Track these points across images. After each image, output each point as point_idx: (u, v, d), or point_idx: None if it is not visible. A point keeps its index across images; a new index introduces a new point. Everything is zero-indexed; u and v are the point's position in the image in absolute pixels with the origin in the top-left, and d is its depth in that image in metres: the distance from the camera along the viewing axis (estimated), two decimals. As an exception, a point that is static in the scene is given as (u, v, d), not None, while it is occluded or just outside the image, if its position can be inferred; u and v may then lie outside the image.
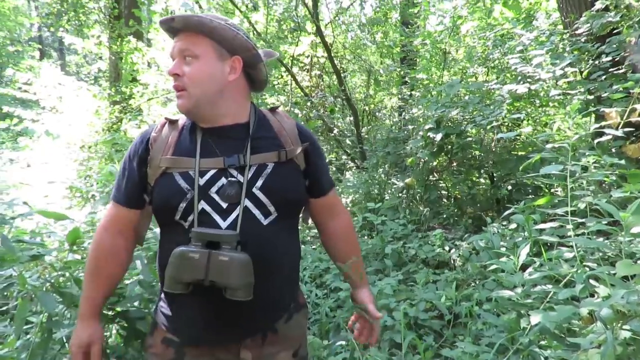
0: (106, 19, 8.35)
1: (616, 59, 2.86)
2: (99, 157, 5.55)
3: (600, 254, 1.79)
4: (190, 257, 1.00)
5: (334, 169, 6.97)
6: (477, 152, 4.25)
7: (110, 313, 1.51)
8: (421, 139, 4.21)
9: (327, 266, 3.43)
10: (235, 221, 1.08)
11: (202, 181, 1.10)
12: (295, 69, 7.44)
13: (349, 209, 4.84)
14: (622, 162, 1.90)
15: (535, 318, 1.42)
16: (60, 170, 5.22)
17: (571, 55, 3.05)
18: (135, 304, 1.68)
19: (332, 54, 6.79)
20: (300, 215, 1.32)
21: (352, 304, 1.40)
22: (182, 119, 1.21)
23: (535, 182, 3.60)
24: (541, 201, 2.01)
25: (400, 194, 4.64)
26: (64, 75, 6.31)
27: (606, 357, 1.15)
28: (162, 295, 1.19)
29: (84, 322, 1.19)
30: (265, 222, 1.11)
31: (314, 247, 4.08)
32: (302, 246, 4.03)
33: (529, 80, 3.29)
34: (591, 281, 1.54)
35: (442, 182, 4.68)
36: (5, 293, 1.65)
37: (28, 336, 1.54)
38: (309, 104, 6.82)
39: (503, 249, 2.42)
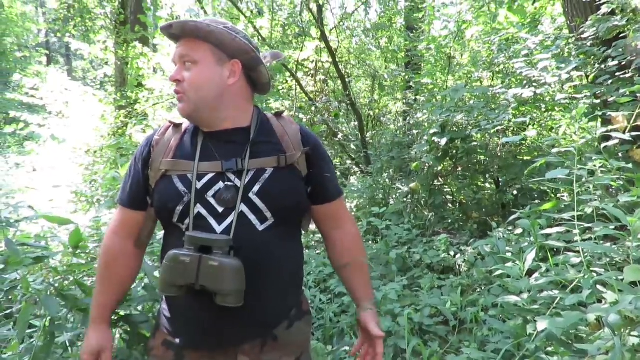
0: (112, 24, 8.43)
1: (622, 63, 2.84)
2: (104, 162, 5.58)
3: (608, 259, 1.77)
4: (181, 260, 1.01)
5: (339, 173, 6.96)
6: (482, 157, 4.23)
7: (113, 317, 1.51)
8: (426, 143, 4.19)
9: (332, 271, 3.41)
10: (230, 226, 1.07)
11: (199, 185, 1.10)
12: (299, 74, 7.45)
13: (353, 213, 4.83)
14: (630, 166, 1.88)
15: (542, 324, 1.40)
16: (65, 175, 5.25)
17: (577, 59, 3.04)
18: (139, 308, 1.68)
19: (337, 59, 6.80)
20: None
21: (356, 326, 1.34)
22: (185, 123, 1.22)
23: (541, 187, 3.57)
24: (547, 206, 1.99)
25: (404, 199, 4.62)
26: (71, 80, 6.36)
27: (614, 364, 1.13)
28: (164, 298, 1.19)
29: (94, 328, 1.20)
30: (260, 228, 1.09)
31: (318, 252, 4.07)
32: (306, 251, 4.02)
33: (534, 84, 3.28)
34: (598, 287, 1.52)
35: (447, 186, 4.65)
36: (9, 297, 1.65)
37: (32, 340, 1.54)
38: (313, 108, 6.83)
39: (509, 254, 2.39)
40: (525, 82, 3.49)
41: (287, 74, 6.76)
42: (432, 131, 4.06)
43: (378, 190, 5.07)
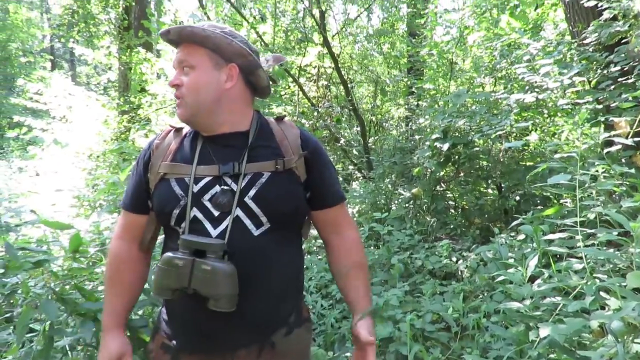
0: (116, 30, 8.49)
1: (625, 69, 2.83)
2: (107, 166, 5.59)
3: (611, 265, 1.76)
4: (175, 263, 1.01)
5: (341, 179, 6.96)
6: (484, 163, 4.22)
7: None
8: (428, 149, 4.19)
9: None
10: (225, 230, 1.06)
11: (196, 188, 1.09)
12: (302, 80, 7.47)
13: (355, 219, 4.82)
14: (632, 171, 1.87)
15: (545, 331, 1.39)
16: (68, 179, 5.27)
17: (579, 64, 3.03)
18: (140, 312, 1.68)
19: (339, 65, 6.82)
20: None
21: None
22: (186, 128, 1.22)
23: (544, 193, 3.56)
24: (550, 211, 1.99)
25: (407, 204, 4.61)
26: (74, 85, 6.39)
27: (618, 372, 1.12)
28: (163, 301, 1.19)
29: (109, 335, 1.19)
30: (256, 232, 1.08)
31: (319, 257, 4.06)
32: (308, 256, 4.01)
33: (536, 90, 3.27)
34: (601, 293, 1.51)
35: (449, 192, 4.64)
36: (10, 301, 1.65)
37: (32, 344, 1.53)
38: (315, 114, 6.84)
39: (511, 260, 2.38)
40: (527, 87, 3.48)
41: (290, 79, 6.78)
42: (434, 136, 4.05)
43: (380, 195, 5.06)
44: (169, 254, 1.03)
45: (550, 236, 1.88)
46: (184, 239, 1.03)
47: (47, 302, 1.39)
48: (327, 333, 2.67)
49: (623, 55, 2.85)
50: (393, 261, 3.28)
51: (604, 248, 1.88)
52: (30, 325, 1.58)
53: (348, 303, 1.25)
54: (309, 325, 1.27)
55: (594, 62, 3.14)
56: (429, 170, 4.40)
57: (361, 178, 6.57)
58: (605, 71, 2.97)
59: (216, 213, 1.08)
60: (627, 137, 2.14)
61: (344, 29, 8.22)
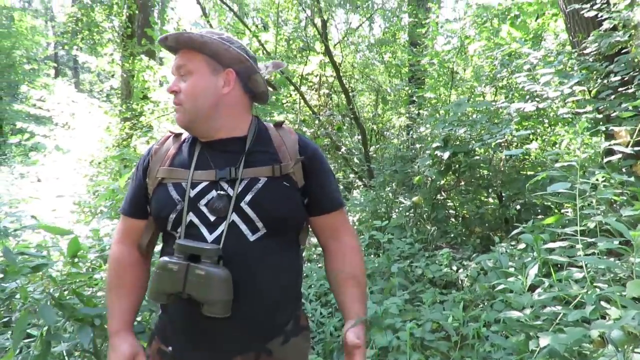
0: (119, 37, 8.55)
1: (625, 78, 2.84)
2: (108, 173, 5.61)
3: (611, 274, 1.75)
4: (169, 268, 1.01)
5: (341, 187, 6.95)
6: (485, 172, 4.22)
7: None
8: (429, 157, 4.19)
9: (333, 284, 3.39)
10: (221, 235, 1.06)
11: (192, 193, 1.09)
12: (303, 88, 7.51)
13: (355, 227, 4.81)
14: (632, 179, 1.87)
15: (545, 340, 1.38)
16: (69, 185, 5.28)
17: (579, 74, 3.05)
18: (138, 318, 1.67)
19: (341, 74, 6.85)
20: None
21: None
22: (185, 133, 1.23)
23: (545, 202, 3.56)
24: (550, 220, 1.98)
25: (407, 213, 4.61)
26: (77, 92, 6.43)
27: (618, 382, 1.11)
28: (160, 306, 1.19)
29: (118, 338, 1.17)
30: (252, 238, 1.08)
31: (319, 265, 4.05)
32: (308, 264, 4.00)
33: (537, 99, 3.28)
34: (602, 302, 1.50)
35: (449, 201, 4.64)
36: (9, 306, 1.65)
37: (29, 349, 1.53)
38: (317, 122, 6.86)
39: (511, 269, 2.37)
40: (527, 96, 3.49)
41: (292, 87, 6.82)
42: (434, 145, 4.06)
43: (380, 203, 5.06)
44: (165, 258, 1.03)
45: (551, 245, 1.87)
46: (179, 243, 1.03)
47: (45, 307, 1.38)
48: (326, 341, 2.66)
49: (623, 65, 2.86)
50: (393, 269, 3.27)
51: (605, 257, 1.87)
52: (28, 331, 1.58)
53: (342, 310, 1.22)
54: (307, 334, 1.25)
55: (594, 72, 3.15)
56: (429, 178, 4.40)
57: (362, 186, 6.57)
58: (605, 81, 2.98)
59: (212, 218, 1.07)
60: (627, 146, 2.14)
61: (345, 38, 8.28)
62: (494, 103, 4.08)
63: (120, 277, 1.21)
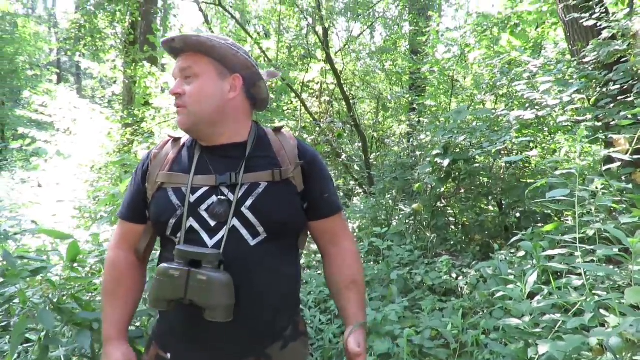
0: (122, 44, 8.59)
1: (624, 87, 2.86)
2: (109, 178, 5.62)
3: (610, 282, 1.74)
4: (170, 274, 1.00)
5: (342, 194, 6.96)
6: (485, 179, 4.23)
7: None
8: (429, 164, 4.19)
9: (332, 291, 3.37)
10: (221, 240, 1.06)
11: (192, 198, 1.09)
12: (304, 95, 7.54)
13: (355, 234, 4.81)
14: (630, 186, 1.87)
15: (544, 348, 1.38)
16: (70, 191, 5.29)
17: (579, 82, 3.06)
18: (137, 323, 1.67)
19: (342, 81, 6.89)
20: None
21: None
22: (184, 137, 1.23)
23: (545, 210, 3.55)
24: (549, 227, 1.98)
25: (407, 220, 4.60)
26: (79, 98, 6.46)
27: (617, 389, 1.11)
28: (158, 312, 1.18)
29: (112, 345, 1.17)
30: (252, 242, 1.08)
31: (319, 272, 4.04)
32: (308, 271, 3.99)
33: (536, 107, 3.30)
34: (601, 310, 1.49)
35: (449, 208, 4.64)
36: (8, 310, 1.65)
37: (28, 354, 1.52)
38: (317, 129, 6.88)
39: (511, 277, 2.37)
40: (527, 104, 3.51)
41: (293, 94, 6.85)
42: (435, 152, 4.06)
43: (381, 211, 5.05)
44: (165, 264, 1.02)
45: (550, 252, 1.87)
46: (180, 249, 1.02)
47: (44, 312, 1.38)
48: (325, 348, 2.65)
49: (622, 73, 2.88)
50: (392, 276, 3.26)
51: (604, 265, 1.87)
52: (27, 335, 1.58)
53: (342, 315, 1.23)
54: (305, 340, 1.25)
55: (594, 80, 3.17)
56: (429, 186, 4.40)
57: (362, 193, 6.58)
58: (604, 89, 2.99)
59: (213, 223, 1.07)
60: (626, 154, 2.14)
61: (346, 46, 8.33)
62: (494, 111, 4.09)
63: (116, 282, 1.21)
